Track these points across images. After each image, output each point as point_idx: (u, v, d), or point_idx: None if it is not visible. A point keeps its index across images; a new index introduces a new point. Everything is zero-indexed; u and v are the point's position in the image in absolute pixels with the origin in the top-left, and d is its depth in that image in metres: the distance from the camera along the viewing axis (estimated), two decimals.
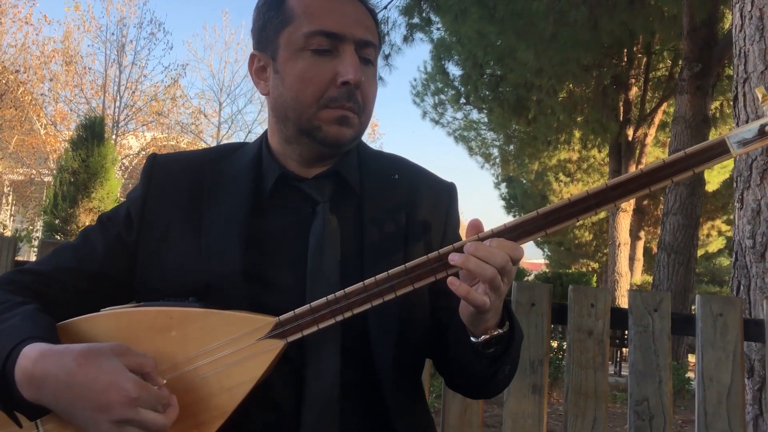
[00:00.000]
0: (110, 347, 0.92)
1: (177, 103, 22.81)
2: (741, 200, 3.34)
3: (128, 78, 21.57)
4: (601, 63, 11.73)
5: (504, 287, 0.96)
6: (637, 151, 13.65)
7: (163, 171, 1.20)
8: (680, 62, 10.26)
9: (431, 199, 1.23)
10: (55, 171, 13.64)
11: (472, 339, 1.04)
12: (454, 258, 0.96)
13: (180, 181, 1.18)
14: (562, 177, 19.56)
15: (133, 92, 21.69)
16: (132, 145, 22.17)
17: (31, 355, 0.91)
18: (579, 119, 13.20)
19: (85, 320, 1.02)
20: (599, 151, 16.96)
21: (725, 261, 27.54)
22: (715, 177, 16.38)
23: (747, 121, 3.28)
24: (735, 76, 3.44)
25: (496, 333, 1.03)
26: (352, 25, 1.11)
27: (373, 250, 1.13)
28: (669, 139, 11.10)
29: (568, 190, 19.21)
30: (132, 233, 1.15)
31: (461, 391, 1.28)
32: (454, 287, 0.94)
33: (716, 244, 22.58)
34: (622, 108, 13.22)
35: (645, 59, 12.87)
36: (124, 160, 20.68)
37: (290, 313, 0.99)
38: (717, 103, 12.22)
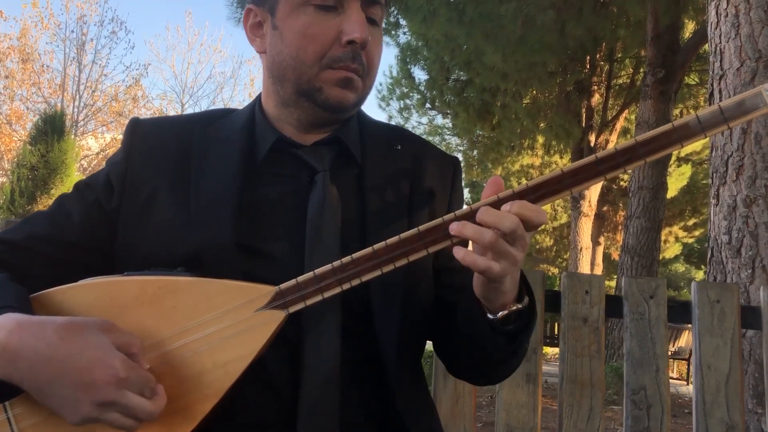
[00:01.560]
0: (95, 322, 0.83)
1: (138, 103, 22.38)
2: (717, 196, 3.34)
3: (88, 77, 21.13)
4: (566, 69, 11.85)
5: (516, 252, 0.86)
6: None
7: (146, 134, 1.10)
8: (642, 70, 10.40)
9: (436, 170, 1.16)
10: (10, 171, 13.20)
11: (489, 316, 0.94)
12: (453, 227, 0.87)
13: (165, 144, 1.08)
14: (524, 182, 19.72)
15: (93, 92, 21.24)
16: (91, 146, 21.64)
17: (6, 325, 0.81)
18: (542, 125, 13.30)
19: (60, 291, 0.91)
20: (561, 157, 17.12)
21: (681, 267, 28.11)
22: (673, 183, 16.66)
23: None
24: (711, 72, 3.45)
25: (514, 308, 0.93)
26: None
27: (376, 221, 1.05)
28: None
29: None
30: (113, 200, 1.05)
31: (467, 376, 1.19)
32: (459, 255, 0.86)
33: (673, 250, 22.94)
34: (584, 114, 13.38)
35: (607, 66, 13.05)
36: (83, 161, 20.16)
37: (292, 282, 0.90)
38: (677, 111, 12.45)
